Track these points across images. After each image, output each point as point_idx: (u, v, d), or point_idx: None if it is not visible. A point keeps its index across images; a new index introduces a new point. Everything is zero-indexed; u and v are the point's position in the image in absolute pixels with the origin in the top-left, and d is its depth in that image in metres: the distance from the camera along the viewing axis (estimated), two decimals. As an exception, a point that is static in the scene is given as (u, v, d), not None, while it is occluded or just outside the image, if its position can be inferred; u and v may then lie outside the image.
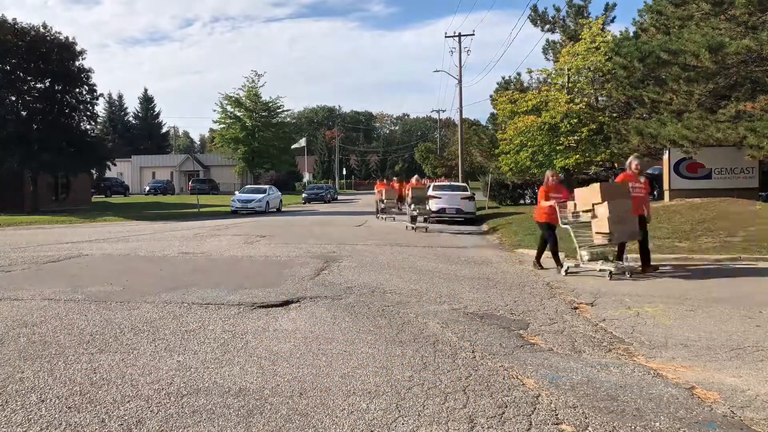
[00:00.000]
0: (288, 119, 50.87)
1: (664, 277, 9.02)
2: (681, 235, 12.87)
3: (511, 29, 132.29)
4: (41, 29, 28.95)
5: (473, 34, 46.33)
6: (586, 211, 9.04)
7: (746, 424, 3.53)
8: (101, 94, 32.22)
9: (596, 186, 9.05)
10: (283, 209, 33.82)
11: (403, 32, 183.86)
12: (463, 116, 40.46)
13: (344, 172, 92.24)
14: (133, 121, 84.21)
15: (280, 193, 35.23)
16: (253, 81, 44.68)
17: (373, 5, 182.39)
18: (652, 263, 9.35)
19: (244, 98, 44.61)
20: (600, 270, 8.91)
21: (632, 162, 9.62)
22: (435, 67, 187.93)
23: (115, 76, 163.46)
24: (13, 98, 29.10)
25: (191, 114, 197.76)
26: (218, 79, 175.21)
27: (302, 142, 64.50)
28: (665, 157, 20.14)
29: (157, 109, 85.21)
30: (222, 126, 45.14)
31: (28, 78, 29.52)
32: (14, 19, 28.50)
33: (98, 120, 41.66)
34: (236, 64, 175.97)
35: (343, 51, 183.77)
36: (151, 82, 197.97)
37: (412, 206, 18.54)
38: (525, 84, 28.31)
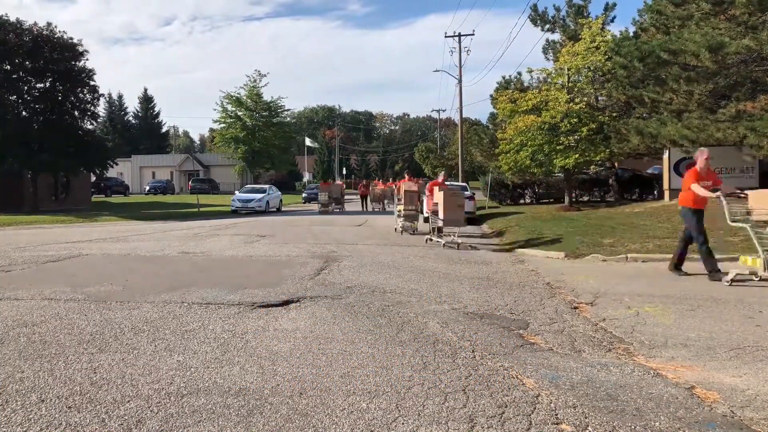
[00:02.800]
0: (288, 119, 50.87)
1: (665, 276, 9.02)
2: (681, 234, 12.86)
3: (511, 29, 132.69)
4: (45, 29, 28.94)
5: (473, 34, 46.50)
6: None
7: (746, 423, 3.53)
8: (102, 95, 32.26)
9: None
10: (283, 209, 33.83)
11: (385, 31, 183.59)
12: (463, 116, 40.49)
13: (344, 172, 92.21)
14: (133, 121, 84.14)
15: (280, 192, 35.24)
16: (254, 80, 44.70)
17: (349, 4, 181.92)
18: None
19: (245, 97, 44.60)
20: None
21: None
22: (424, 65, 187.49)
23: (100, 75, 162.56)
24: (14, 98, 29.09)
25: (183, 113, 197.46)
26: (205, 79, 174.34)
27: (308, 141, 64.56)
28: (665, 156, 20.16)
29: (156, 109, 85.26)
30: (222, 125, 45.15)
31: (29, 78, 29.50)
32: (17, 18, 28.54)
33: (98, 120, 41.62)
34: (220, 64, 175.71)
35: (328, 50, 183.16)
36: (137, 82, 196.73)
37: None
38: (525, 84, 28.25)
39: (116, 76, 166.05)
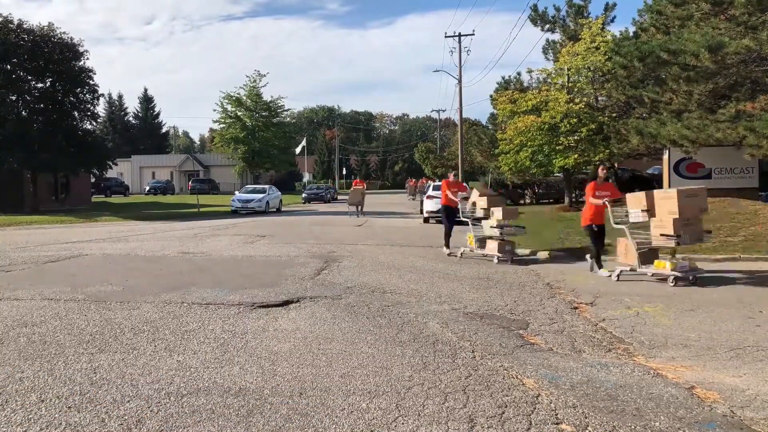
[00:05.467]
0: (288, 119, 50.82)
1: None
2: (681, 234, 12.85)
3: (511, 29, 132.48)
4: (45, 29, 28.93)
5: (473, 34, 46.53)
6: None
7: (746, 423, 3.53)
8: (102, 95, 32.21)
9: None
10: (283, 209, 33.79)
11: (367, 31, 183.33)
12: (463, 116, 40.48)
13: (344, 172, 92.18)
14: (133, 121, 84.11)
15: (280, 193, 35.19)
16: (254, 81, 44.68)
17: (328, 3, 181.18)
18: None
19: (245, 98, 44.58)
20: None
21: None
22: (411, 65, 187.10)
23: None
24: (14, 98, 29.07)
25: (174, 113, 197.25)
26: (191, 79, 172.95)
27: (302, 143, 64.49)
28: (665, 156, 20.14)
29: (156, 109, 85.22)
30: (222, 126, 45.11)
31: (29, 78, 29.49)
32: (19, 19, 28.56)
33: (98, 120, 41.61)
34: (204, 64, 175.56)
35: (312, 50, 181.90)
36: (124, 82, 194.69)
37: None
38: (525, 84, 28.26)
39: (103, 76, 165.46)
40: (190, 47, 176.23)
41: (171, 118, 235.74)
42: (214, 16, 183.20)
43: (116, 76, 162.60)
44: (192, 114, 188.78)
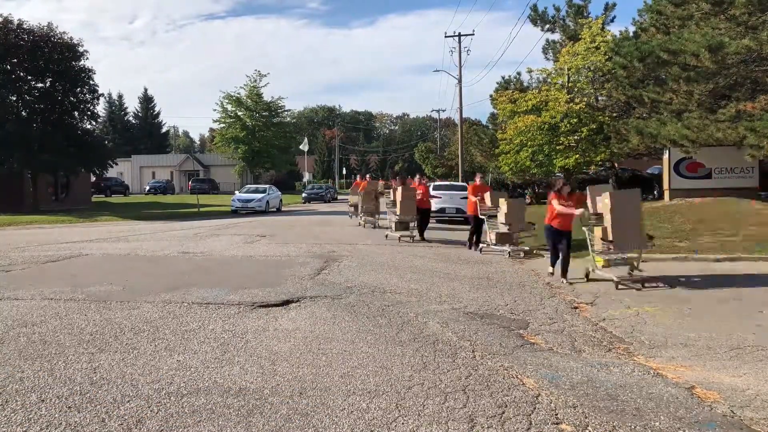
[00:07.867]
0: (288, 119, 50.81)
1: (664, 276, 9.02)
2: (681, 235, 12.87)
3: (510, 29, 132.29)
4: (45, 29, 28.95)
5: (473, 34, 46.68)
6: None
7: (746, 423, 3.53)
8: (101, 94, 32.20)
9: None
10: (283, 209, 33.79)
11: (351, 30, 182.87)
12: (463, 116, 40.51)
13: (344, 172, 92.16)
14: (133, 121, 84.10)
15: (280, 192, 35.18)
16: (254, 80, 44.69)
17: (307, 1, 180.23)
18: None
19: (245, 97, 44.58)
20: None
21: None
22: (406, 65, 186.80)
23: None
24: (14, 98, 29.07)
25: (172, 113, 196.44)
26: (183, 79, 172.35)
27: (305, 144, 64.38)
28: (665, 156, 20.14)
29: (156, 109, 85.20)
30: (222, 125, 45.11)
31: (29, 78, 29.49)
32: (19, 19, 28.58)
33: (98, 120, 41.58)
34: (191, 63, 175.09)
35: (298, 49, 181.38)
36: (116, 82, 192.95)
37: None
38: (525, 84, 28.29)
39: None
40: (175, 47, 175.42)
41: (171, 117, 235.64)
42: (195, 15, 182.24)
43: (104, 75, 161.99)
44: (187, 114, 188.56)
